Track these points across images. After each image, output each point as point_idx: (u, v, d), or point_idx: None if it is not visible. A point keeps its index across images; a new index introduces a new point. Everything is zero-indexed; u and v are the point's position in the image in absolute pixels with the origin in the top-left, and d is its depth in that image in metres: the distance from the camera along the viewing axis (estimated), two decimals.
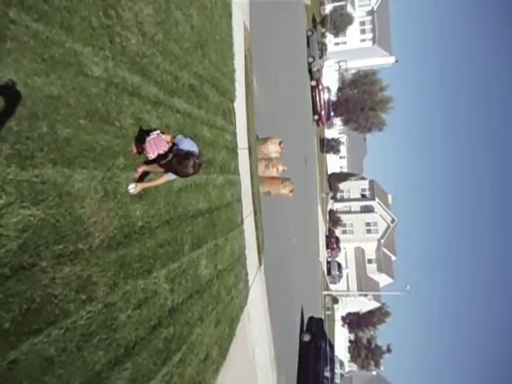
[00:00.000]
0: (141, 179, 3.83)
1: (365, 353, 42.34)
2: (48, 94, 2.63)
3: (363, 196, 45.48)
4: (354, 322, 41.49)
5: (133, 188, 3.54)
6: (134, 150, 3.73)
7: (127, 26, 3.70)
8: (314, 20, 32.13)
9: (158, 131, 3.50)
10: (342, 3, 40.72)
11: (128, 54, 3.70)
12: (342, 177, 45.71)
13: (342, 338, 41.98)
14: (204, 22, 5.95)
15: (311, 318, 16.71)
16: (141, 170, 3.74)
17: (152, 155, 3.40)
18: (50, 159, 2.60)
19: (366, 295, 38.41)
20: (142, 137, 3.64)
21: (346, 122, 36.88)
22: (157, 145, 3.39)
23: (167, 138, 3.53)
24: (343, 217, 42.24)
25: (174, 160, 3.35)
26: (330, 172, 43.48)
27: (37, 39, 2.55)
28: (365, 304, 40.83)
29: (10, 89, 2.35)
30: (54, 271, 2.55)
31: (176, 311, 4.29)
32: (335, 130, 48.74)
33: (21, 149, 2.36)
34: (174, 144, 3.55)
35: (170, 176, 3.54)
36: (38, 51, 2.56)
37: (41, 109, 2.55)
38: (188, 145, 3.54)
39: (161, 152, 3.43)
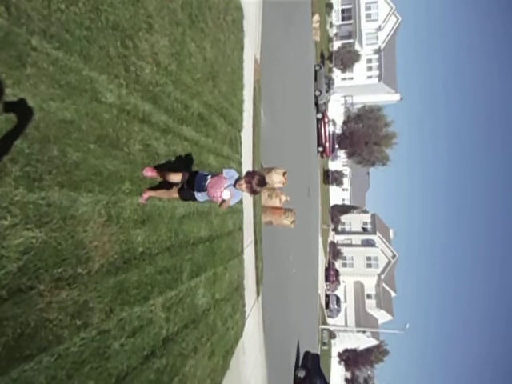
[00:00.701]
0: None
1: None
2: (61, 118, 2.69)
3: (364, 230, 45.26)
4: (351, 359, 40.25)
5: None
6: (150, 174, 3.82)
7: (143, 56, 3.82)
8: (322, 55, 33.09)
9: (209, 179, 3.72)
10: (350, 41, 42.07)
11: (141, 82, 3.81)
12: (344, 209, 45.70)
13: (337, 376, 40.65)
14: (217, 54, 6.14)
15: (307, 353, 16.26)
16: (146, 195, 3.76)
17: (226, 196, 3.58)
18: (58, 182, 2.63)
19: (364, 332, 37.45)
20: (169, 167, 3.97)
21: (350, 155, 37.21)
22: (218, 183, 3.63)
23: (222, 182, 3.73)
24: (344, 249, 41.92)
25: (256, 181, 3.57)
26: (332, 204, 43.48)
27: (56, 66, 2.63)
28: (363, 341, 39.76)
29: (25, 112, 2.41)
30: (51, 295, 2.52)
31: (170, 341, 4.19)
32: (339, 162, 49.14)
33: (30, 171, 2.39)
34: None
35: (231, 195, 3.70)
36: (55, 77, 2.64)
37: (53, 132, 2.60)
38: (231, 174, 3.76)
39: (236, 199, 3.69)
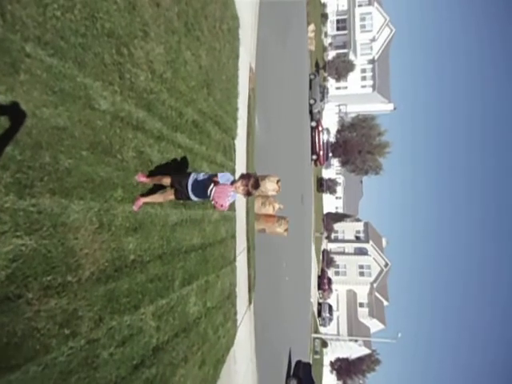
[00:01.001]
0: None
1: None
2: (54, 125, 2.67)
3: (357, 238, 45.38)
4: (343, 368, 40.02)
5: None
6: (142, 179, 3.83)
7: (138, 63, 3.83)
8: (317, 64, 33.39)
9: (214, 188, 3.71)
10: (345, 51, 42.52)
11: (136, 89, 3.81)
12: (338, 217, 45.83)
13: None
14: (212, 62, 6.17)
15: (299, 362, 16.14)
16: (140, 202, 3.74)
17: (227, 204, 3.67)
18: (49, 189, 2.61)
19: (356, 340, 37.32)
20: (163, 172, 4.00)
21: (343, 164, 37.40)
22: (224, 192, 3.66)
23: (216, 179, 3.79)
24: (336, 257, 41.91)
25: (252, 183, 3.69)
26: (325, 212, 43.58)
27: (49, 73, 2.63)
28: (355, 350, 39.57)
29: (17, 118, 2.39)
30: (39, 303, 2.48)
31: (160, 350, 4.14)
32: (333, 170, 49.37)
33: (21, 178, 2.37)
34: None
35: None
36: (49, 84, 2.63)
37: (45, 139, 2.59)
38: (226, 177, 3.84)
39: (230, 200, 3.70)
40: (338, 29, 43.87)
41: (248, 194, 3.81)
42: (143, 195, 3.88)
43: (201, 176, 3.96)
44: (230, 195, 3.66)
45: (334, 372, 40.92)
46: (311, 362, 21.98)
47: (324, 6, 40.77)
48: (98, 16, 3.18)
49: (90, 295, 2.99)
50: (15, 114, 2.37)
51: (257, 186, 3.78)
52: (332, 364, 40.81)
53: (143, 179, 3.88)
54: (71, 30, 2.85)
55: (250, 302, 8.64)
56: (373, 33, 41.85)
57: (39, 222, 2.51)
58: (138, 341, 3.69)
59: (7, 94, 2.30)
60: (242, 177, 3.77)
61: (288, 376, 14.54)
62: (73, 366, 2.76)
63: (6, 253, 2.25)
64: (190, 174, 4.01)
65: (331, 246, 44.90)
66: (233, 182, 3.78)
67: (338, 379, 41.83)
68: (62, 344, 2.67)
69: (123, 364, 3.43)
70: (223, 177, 3.83)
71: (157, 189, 4.08)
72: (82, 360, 2.88)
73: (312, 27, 26.96)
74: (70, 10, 2.84)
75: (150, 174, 4.02)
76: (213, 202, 3.71)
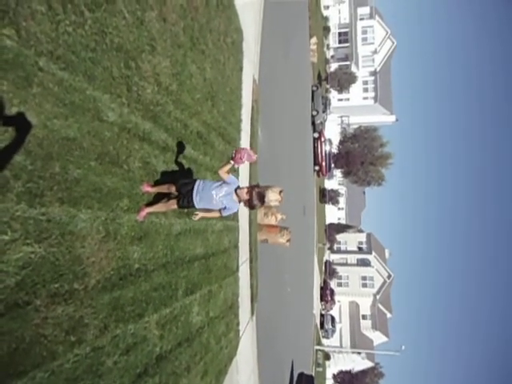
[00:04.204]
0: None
1: None
2: (64, 136, 2.76)
3: (360, 249, 45.19)
4: (346, 381, 39.52)
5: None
6: (148, 189, 3.90)
7: (145, 76, 3.94)
8: (319, 76, 33.72)
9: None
10: (347, 63, 42.99)
11: (143, 101, 3.91)
12: (340, 228, 45.69)
13: None
14: (216, 74, 6.30)
15: (301, 375, 16.00)
16: (144, 212, 3.80)
17: (241, 162, 3.78)
18: (58, 198, 2.68)
19: (359, 353, 36.92)
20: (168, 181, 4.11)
21: (345, 175, 37.46)
22: (249, 156, 3.75)
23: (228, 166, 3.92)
24: (339, 269, 41.70)
25: (256, 193, 3.80)
26: (328, 222, 43.51)
27: (61, 86, 2.72)
28: (358, 362, 39.16)
29: (29, 130, 2.47)
30: (47, 310, 2.53)
31: (163, 359, 4.16)
32: (335, 181, 49.43)
33: (32, 187, 2.45)
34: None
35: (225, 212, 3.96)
36: (60, 96, 2.72)
37: (56, 150, 2.67)
38: (233, 180, 3.95)
39: (244, 161, 3.80)
40: (340, 41, 44.42)
41: (250, 205, 3.86)
42: (148, 205, 3.95)
43: (207, 183, 4.00)
44: (252, 158, 3.80)
45: None
46: (314, 374, 21.73)
47: (326, 19, 41.32)
48: (108, 31, 3.29)
49: (95, 303, 3.04)
50: (27, 125, 2.45)
51: (261, 198, 3.84)
52: (335, 377, 40.31)
53: (148, 189, 3.95)
54: (82, 45, 2.96)
55: (252, 313, 8.63)
56: (374, 45, 42.34)
57: (48, 230, 2.58)
58: (141, 349, 3.72)
59: (20, 106, 2.39)
60: (249, 186, 3.88)
61: None
62: (78, 373, 2.80)
63: (16, 260, 2.31)
64: (195, 180, 4.06)
65: (334, 257, 44.70)
66: (239, 188, 3.88)
67: None
68: (67, 351, 2.71)
69: (127, 372, 3.45)
70: (229, 179, 3.96)
71: (161, 198, 4.14)
72: (87, 367, 2.91)
73: (314, 40, 27.30)
74: (81, 26, 2.94)
75: (156, 184, 4.10)
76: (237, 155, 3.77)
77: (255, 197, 3.77)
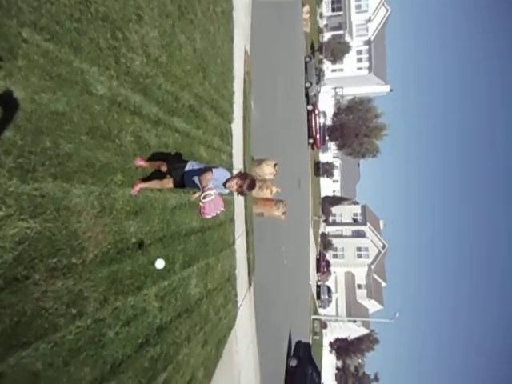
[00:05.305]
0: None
1: (352, 381, 41.65)
2: (53, 110, 2.71)
3: (355, 221, 45.70)
4: (342, 348, 40.90)
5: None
6: (141, 163, 3.86)
7: (133, 47, 3.83)
8: (312, 47, 33.01)
9: (214, 190, 3.36)
10: (341, 32, 41.99)
11: (132, 74, 3.82)
12: (335, 201, 45.97)
13: (329, 365, 41.29)
14: (206, 45, 6.15)
15: (299, 343, 16.49)
16: (138, 187, 3.79)
17: (208, 216, 3.35)
18: (51, 173, 2.66)
19: (354, 321, 38.02)
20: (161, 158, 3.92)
21: (340, 147, 37.34)
22: (216, 205, 3.34)
23: (209, 175, 3.51)
24: (334, 241, 42.27)
25: (247, 184, 3.58)
26: (323, 195, 43.75)
27: (46, 58, 2.65)
28: (353, 330, 40.36)
29: (17, 104, 2.43)
30: (46, 284, 2.57)
31: (164, 330, 4.27)
32: (329, 154, 49.33)
33: (23, 162, 2.42)
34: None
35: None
36: (46, 69, 2.65)
37: (45, 124, 2.63)
38: (221, 174, 3.66)
39: (218, 212, 3.39)
40: (333, 10, 43.22)
41: (241, 193, 3.72)
42: (143, 180, 3.94)
43: (196, 165, 3.89)
44: (219, 210, 3.39)
45: (334, 352, 41.82)
46: (311, 342, 22.44)
47: None
48: (92, 0, 3.17)
49: (94, 277, 3.08)
50: (14, 99, 2.40)
51: (252, 187, 3.70)
52: (331, 344, 41.66)
53: (142, 163, 3.92)
54: (66, 15, 2.86)
55: (249, 285, 8.80)
56: (368, 13, 41.26)
57: (43, 205, 2.57)
58: (142, 321, 3.80)
59: (6, 79, 2.33)
60: (239, 176, 3.65)
61: (288, 356, 14.89)
62: (81, 344, 2.87)
63: (12, 235, 2.32)
64: (186, 162, 3.97)
65: (329, 230, 45.24)
66: (228, 180, 3.67)
67: (338, 359, 42.81)
68: (69, 323, 2.76)
69: (128, 343, 3.54)
70: (218, 172, 3.64)
71: (155, 175, 4.11)
72: (89, 338, 2.98)
73: (307, 8, 26.58)
74: None
75: (149, 159, 4.07)
76: (201, 204, 3.32)
77: (246, 188, 3.61)
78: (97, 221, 3.16)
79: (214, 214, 3.35)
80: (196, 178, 3.69)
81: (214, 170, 3.62)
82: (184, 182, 3.89)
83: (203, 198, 3.24)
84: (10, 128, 2.37)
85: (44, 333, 2.52)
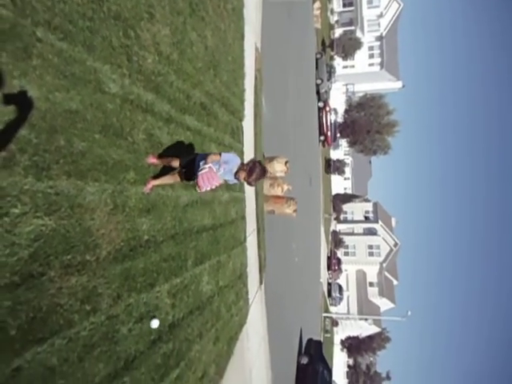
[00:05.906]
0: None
1: (363, 379, 41.40)
2: (67, 108, 2.73)
3: (367, 218, 45.33)
4: (354, 346, 40.69)
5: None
6: (153, 161, 3.87)
7: (145, 45, 3.85)
8: (323, 43, 32.79)
9: (210, 164, 3.49)
10: (352, 28, 41.57)
11: (144, 72, 3.84)
12: (346, 198, 45.68)
13: (340, 363, 41.19)
14: (218, 43, 6.14)
15: (310, 340, 16.47)
16: (150, 185, 3.82)
17: (204, 189, 3.47)
18: (65, 171, 2.69)
19: (366, 319, 37.81)
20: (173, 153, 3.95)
21: (351, 144, 37.06)
22: (209, 179, 3.44)
23: (216, 157, 3.64)
24: (346, 238, 42.01)
25: (258, 171, 3.65)
26: (334, 193, 43.49)
27: (60, 57, 2.67)
28: (365, 328, 40.14)
29: (32, 103, 2.45)
30: (61, 281, 2.60)
31: (176, 327, 4.29)
32: (341, 151, 48.96)
33: (38, 161, 2.45)
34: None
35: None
36: (60, 68, 2.68)
37: (59, 123, 2.65)
38: (230, 158, 3.73)
39: (213, 187, 3.50)
40: (344, 5, 42.80)
41: (249, 183, 3.77)
42: (155, 177, 3.96)
43: (204, 156, 3.94)
44: (214, 185, 3.53)
45: (345, 350, 41.64)
46: (322, 340, 22.39)
47: None
48: None
49: (107, 273, 3.11)
50: (29, 98, 2.43)
51: (262, 175, 3.74)
52: (343, 342, 41.48)
53: (154, 161, 3.94)
54: (79, 14, 2.88)
55: (261, 282, 8.80)
56: (380, 8, 40.76)
57: (57, 203, 2.60)
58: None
59: (21, 78, 2.36)
60: (249, 165, 3.70)
61: (300, 353, 14.87)
62: (95, 339, 2.90)
63: (27, 233, 2.35)
64: (197, 154, 4.03)
65: (340, 227, 44.96)
66: (238, 171, 3.74)
67: (349, 357, 42.62)
68: (83, 319, 2.80)
69: (141, 339, 3.57)
70: (227, 156, 3.73)
71: (166, 171, 4.14)
72: (103, 335, 3.02)
73: (318, 4, 26.37)
74: None
75: (160, 156, 4.08)
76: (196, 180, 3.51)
77: (255, 178, 3.68)
78: (110, 218, 3.18)
79: (209, 188, 3.45)
80: (202, 163, 3.72)
81: (223, 153, 3.72)
82: (195, 174, 3.91)
83: (198, 172, 3.34)
84: (25, 127, 2.40)
85: (59, 329, 2.56)
